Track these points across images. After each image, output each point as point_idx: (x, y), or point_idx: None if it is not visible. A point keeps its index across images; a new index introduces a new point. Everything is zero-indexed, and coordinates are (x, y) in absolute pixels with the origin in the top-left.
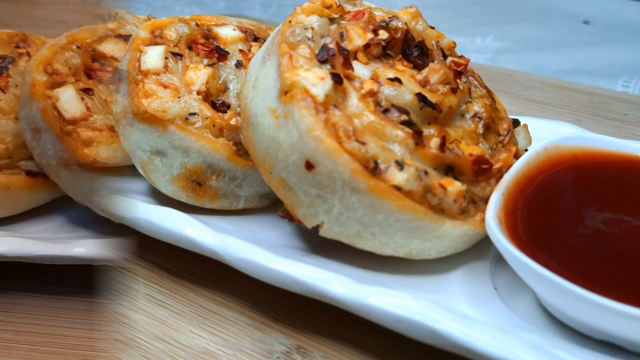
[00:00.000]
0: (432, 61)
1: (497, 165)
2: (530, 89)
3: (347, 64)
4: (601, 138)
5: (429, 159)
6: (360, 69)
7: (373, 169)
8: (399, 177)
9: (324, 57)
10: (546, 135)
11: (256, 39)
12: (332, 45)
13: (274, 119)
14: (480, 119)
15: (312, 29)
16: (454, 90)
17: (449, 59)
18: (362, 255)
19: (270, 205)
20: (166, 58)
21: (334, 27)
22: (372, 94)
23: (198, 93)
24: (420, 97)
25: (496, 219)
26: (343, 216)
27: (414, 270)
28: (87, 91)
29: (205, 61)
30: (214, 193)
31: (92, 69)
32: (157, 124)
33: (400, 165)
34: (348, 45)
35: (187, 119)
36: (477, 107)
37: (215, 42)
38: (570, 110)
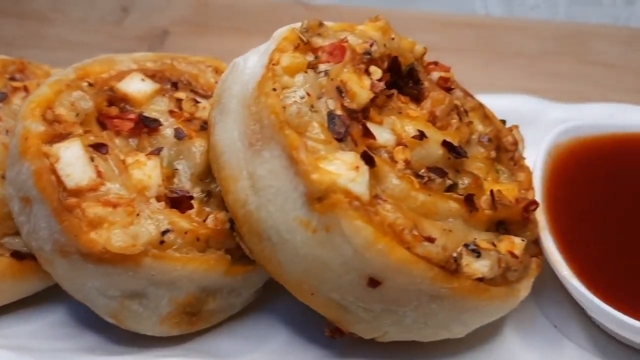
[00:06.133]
0: (423, 84)
1: (531, 196)
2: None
3: (368, 133)
4: (586, 124)
5: (483, 223)
6: (381, 133)
7: (454, 269)
8: (479, 267)
9: (341, 134)
10: (509, 115)
11: (175, 86)
12: (339, 111)
13: (309, 234)
14: (490, 140)
15: (308, 94)
16: (460, 117)
17: (434, 74)
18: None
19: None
20: (92, 158)
21: (321, 79)
22: (407, 163)
23: (157, 199)
24: (449, 147)
25: (565, 264)
26: (418, 324)
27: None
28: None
29: (132, 141)
30: (211, 315)
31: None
32: (125, 261)
33: (475, 251)
34: (352, 103)
35: (161, 241)
36: (480, 126)
37: (128, 107)
38: (470, 53)
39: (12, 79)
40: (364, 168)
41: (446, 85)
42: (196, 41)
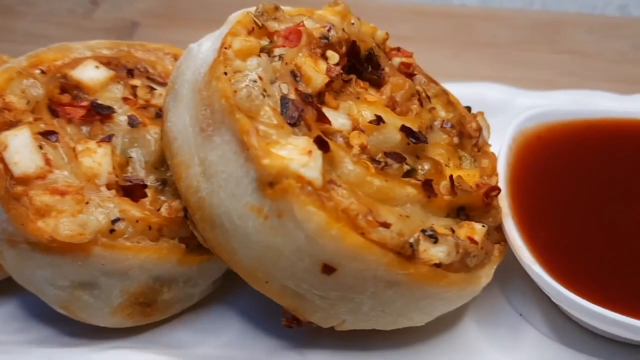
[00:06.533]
0: (383, 70)
1: (494, 182)
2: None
3: (322, 117)
4: (553, 110)
5: (442, 208)
6: (337, 118)
7: (410, 255)
8: (436, 252)
9: (294, 118)
10: (477, 103)
11: (130, 73)
12: (292, 95)
13: (261, 220)
14: (452, 126)
15: (261, 78)
16: (421, 103)
17: (395, 60)
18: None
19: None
20: (40, 146)
21: (275, 63)
22: (364, 148)
23: (108, 187)
24: (407, 132)
25: (527, 252)
26: (375, 311)
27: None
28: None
29: (84, 129)
30: (166, 305)
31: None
32: (74, 251)
33: (432, 237)
34: (307, 87)
35: (111, 230)
36: (442, 112)
37: (82, 94)
38: (444, 42)
39: None
40: (317, 153)
41: (408, 71)
42: (165, 33)
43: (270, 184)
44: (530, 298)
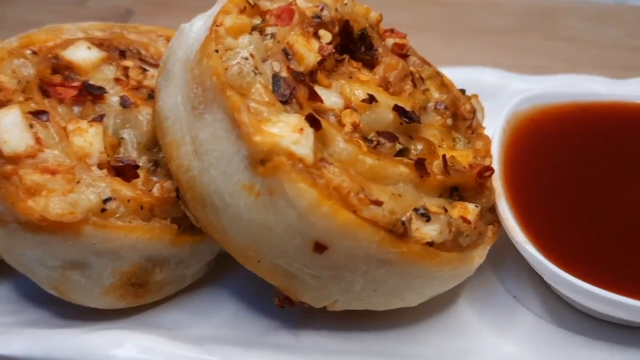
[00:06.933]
0: (376, 50)
1: (488, 163)
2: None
3: (314, 95)
4: (547, 92)
5: (435, 188)
6: (329, 97)
7: (402, 233)
8: (429, 231)
9: (285, 96)
10: (472, 88)
11: (123, 54)
12: (284, 73)
13: (252, 198)
14: (446, 108)
15: (252, 56)
16: (414, 84)
17: (389, 40)
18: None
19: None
20: (30, 125)
21: (267, 41)
22: (356, 127)
23: (99, 167)
24: (400, 111)
25: (520, 232)
26: (367, 290)
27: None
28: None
29: (76, 109)
30: (159, 286)
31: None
32: (64, 230)
33: (425, 215)
34: (299, 66)
35: (102, 209)
36: (436, 94)
37: (73, 75)
38: (438, 30)
39: None
40: (309, 130)
41: (401, 52)
42: (160, 20)
43: (262, 161)
44: (524, 280)
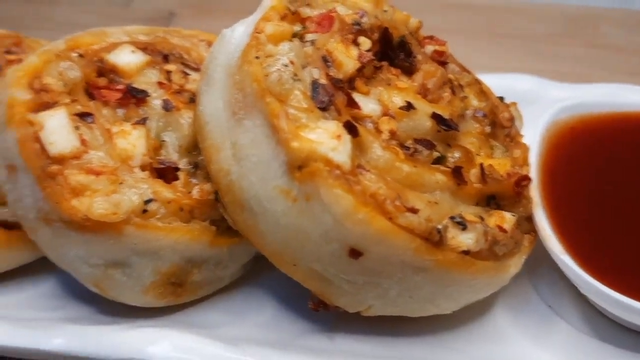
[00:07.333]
0: (415, 57)
1: (526, 172)
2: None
3: (352, 102)
4: (587, 102)
5: (472, 196)
6: (367, 103)
7: (438, 241)
8: (465, 239)
9: (324, 103)
10: (508, 95)
11: (166, 58)
12: (323, 80)
13: (289, 204)
14: (485, 115)
15: (292, 62)
16: (453, 91)
17: (428, 47)
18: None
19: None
20: (76, 127)
21: (307, 48)
22: (393, 134)
23: (142, 168)
24: (438, 119)
25: (556, 242)
26: (403, 297)
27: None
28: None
29: (120, 112)
30: (197, 286)
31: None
32: (107, 229)
33: (461, 224)
34: (338, 73)
35: (144, 210)
36: (474, 101)
37: (118, 78)
38: (475, 35)
39: (8, 52)
40: (346, 137)
41: (441, 59)
42: (202, 23)
43: (299, 167)
44: (560, 289)
